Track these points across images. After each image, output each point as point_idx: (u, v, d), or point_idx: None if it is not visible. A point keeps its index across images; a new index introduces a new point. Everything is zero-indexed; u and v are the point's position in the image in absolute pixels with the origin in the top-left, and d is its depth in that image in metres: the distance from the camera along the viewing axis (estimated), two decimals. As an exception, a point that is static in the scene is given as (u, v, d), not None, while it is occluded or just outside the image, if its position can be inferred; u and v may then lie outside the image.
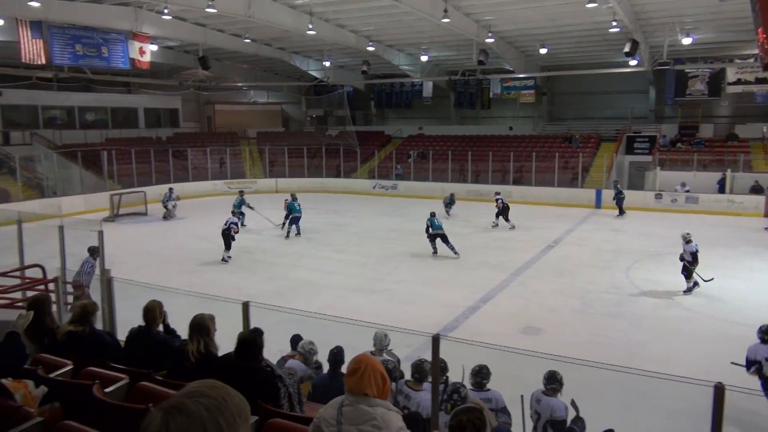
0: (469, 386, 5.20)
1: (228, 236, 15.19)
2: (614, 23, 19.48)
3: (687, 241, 12.28)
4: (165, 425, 1.11)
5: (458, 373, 5.35)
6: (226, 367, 3.47)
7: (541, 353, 5.13)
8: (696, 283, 12.13)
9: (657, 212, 22.80)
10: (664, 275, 13.20)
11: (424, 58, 28.66)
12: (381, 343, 6.17)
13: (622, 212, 22.23)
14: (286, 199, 18.93)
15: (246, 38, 25.56)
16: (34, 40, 20.91)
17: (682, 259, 12.21)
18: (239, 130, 35.63)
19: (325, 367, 5.82)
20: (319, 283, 13.19)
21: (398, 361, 6.11)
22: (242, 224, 18.70)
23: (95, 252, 9.88)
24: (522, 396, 5.39)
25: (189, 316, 4.79)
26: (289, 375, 3.74)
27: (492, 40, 23.06)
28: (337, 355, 5.68)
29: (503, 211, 19.59)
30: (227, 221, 15.55)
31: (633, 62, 23.55)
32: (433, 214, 16.19)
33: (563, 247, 17.06)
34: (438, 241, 15.64)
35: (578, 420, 5.14)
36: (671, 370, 5.07)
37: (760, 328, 6.80)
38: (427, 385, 5.04)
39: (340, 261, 15.43)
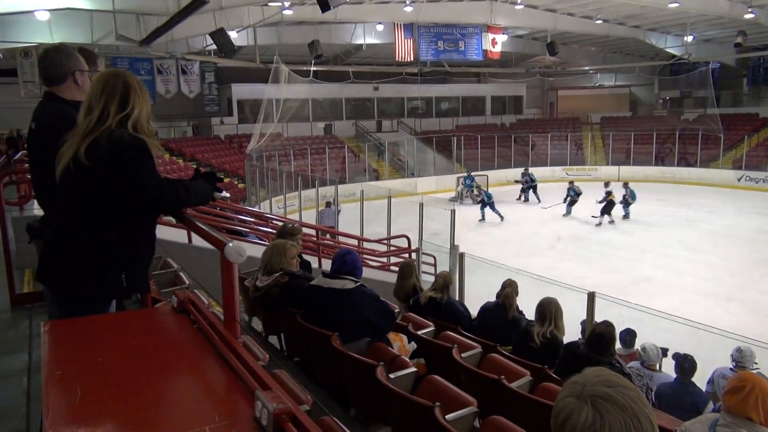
0: None
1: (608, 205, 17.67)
2: None
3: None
4: (599, 416, 1.05)
5: None
6: (573, 355, 3.44)
7: None
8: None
9: None
10: None
11: (828, 19, 22.90)
12: (747, 360, 5.25)
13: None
14: None
15: (598, 19, 24.52)
16: (405, 40, 24.23)
17: None
18: (582, 115, 34.64)
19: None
20: (664, 281, 12.07)
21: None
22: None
23: (331, 204, 14.34)
24: None
25: (529, 298, 4.91)
26: (638, 376, 3.51)
27: None
28: (687, 361, 5.07)
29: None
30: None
31: None
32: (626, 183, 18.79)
33: None
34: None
35: None
36: None
37: None
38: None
39: (691, 260, 13.75)
